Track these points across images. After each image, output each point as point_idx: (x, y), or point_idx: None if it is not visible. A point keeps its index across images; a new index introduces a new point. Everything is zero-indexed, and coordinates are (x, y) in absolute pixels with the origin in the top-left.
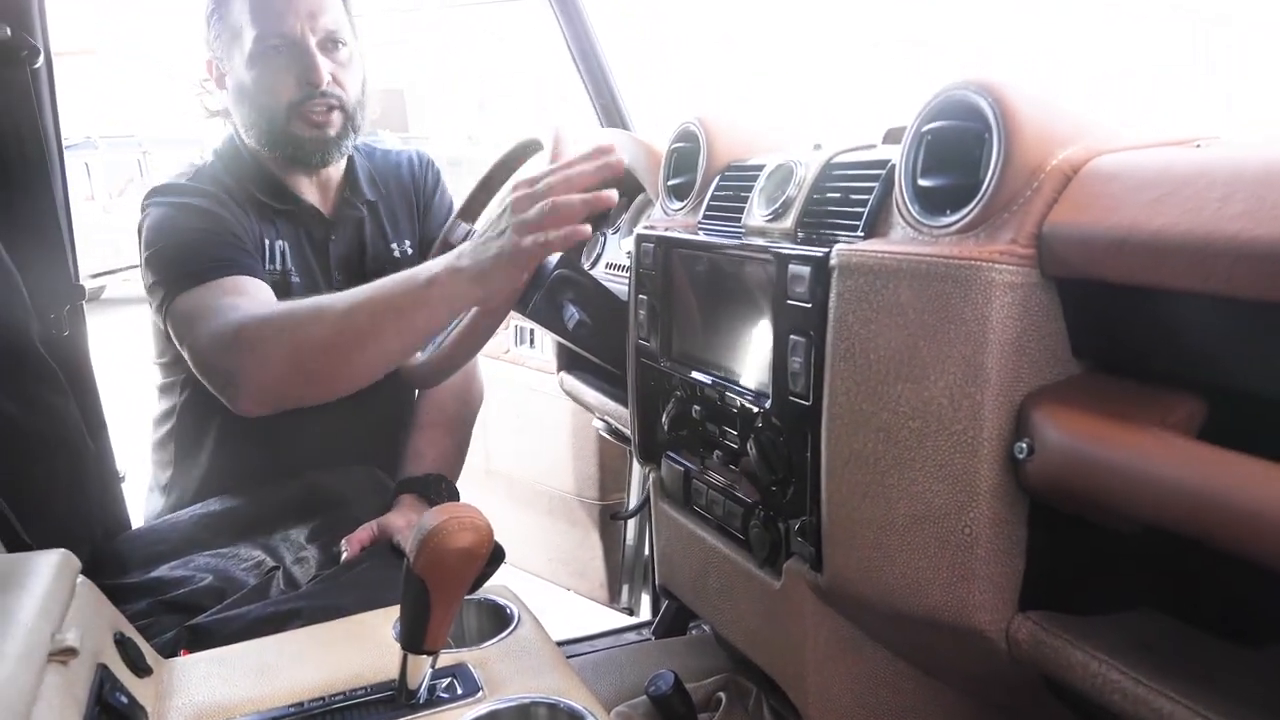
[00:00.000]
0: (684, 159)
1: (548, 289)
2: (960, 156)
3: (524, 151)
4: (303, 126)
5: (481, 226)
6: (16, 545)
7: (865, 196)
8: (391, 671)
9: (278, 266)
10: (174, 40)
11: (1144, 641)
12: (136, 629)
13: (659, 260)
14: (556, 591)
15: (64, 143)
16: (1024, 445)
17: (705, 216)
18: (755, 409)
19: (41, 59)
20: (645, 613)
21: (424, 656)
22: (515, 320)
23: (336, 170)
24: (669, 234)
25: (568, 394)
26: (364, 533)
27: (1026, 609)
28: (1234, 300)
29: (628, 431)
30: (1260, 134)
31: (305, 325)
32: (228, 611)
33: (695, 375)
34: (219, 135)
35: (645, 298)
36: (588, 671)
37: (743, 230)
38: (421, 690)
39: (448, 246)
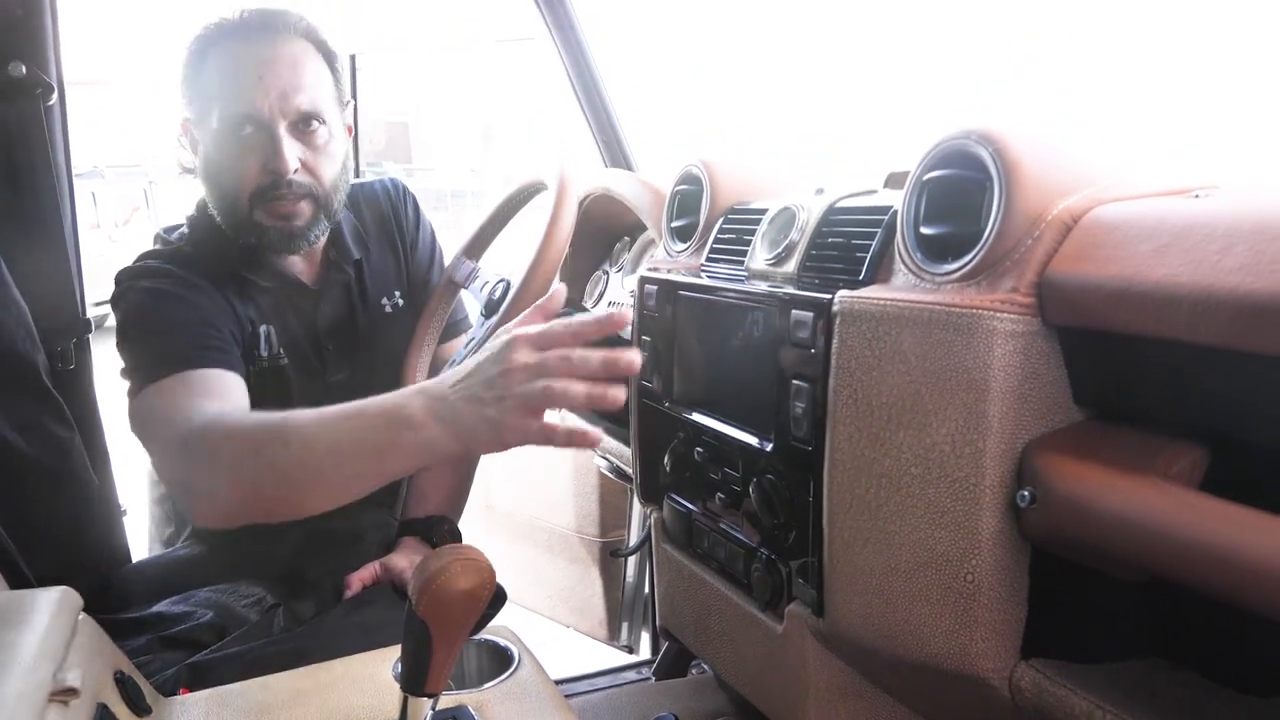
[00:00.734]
0: (687, 201)
1: None
2: (961, 205)
3: (528, 193)
4: (266, 216)
5: (485, 266)
6: (18, 578)
7: (867, 242)
8: (391, 713)
9: (264, 353)
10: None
11: (1148, 690)
12: (136, 666)
13: (662, 302)
14: (555, 626)
15: (73, 175)
16: (1026, 493)
17: (708, 259)
18: (757, 453)
19: (55, 95)
20: (645, 651)
21: (424, 699)
22: None
23: (319, 239)
24: (672, 277)
25: None
26: (366, 572)
27: (1029, 656)
28: (1234, 352)
29: (629, 469)
30: (1258, 185)
31: (266, 449)
32: (228, 649)
33: (698, 418)
34: (198, 195)
35: (648, 339)
36: (588, 713)
37: (746, 273)
38: None
39: (452, 284)
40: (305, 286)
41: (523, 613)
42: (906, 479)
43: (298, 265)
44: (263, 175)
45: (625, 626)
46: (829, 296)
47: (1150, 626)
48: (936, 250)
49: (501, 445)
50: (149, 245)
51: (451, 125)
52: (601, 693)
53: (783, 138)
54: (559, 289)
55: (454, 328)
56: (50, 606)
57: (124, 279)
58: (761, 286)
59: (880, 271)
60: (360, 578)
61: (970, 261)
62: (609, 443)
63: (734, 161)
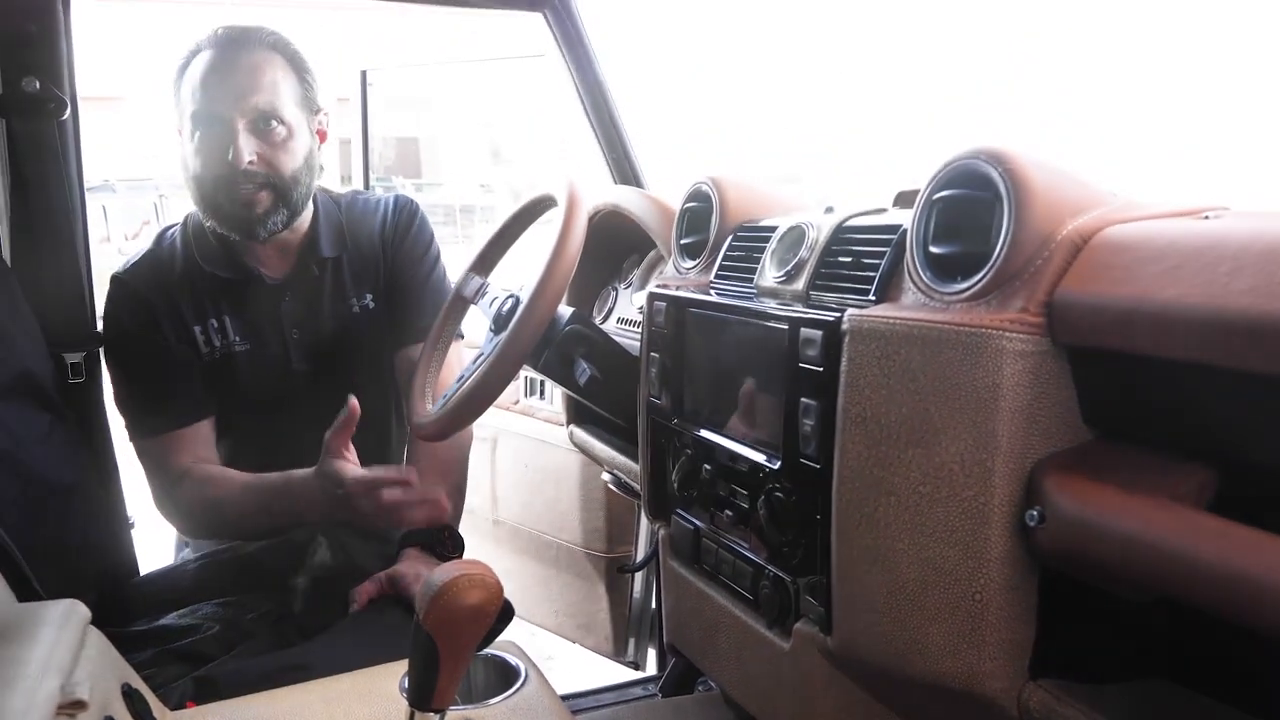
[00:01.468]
0: (696, 218)
1: (559, 344)
2: (971, 224)
3: (538, 208)
4: (228, 203)
5: (494, 281)
6: (26, 590)
7: (877, 261)
8: None
9: (216, 343)
10: None
11: (1156, 711)
12: (143, 679)
13: (671, 319)
14: (562, 642)
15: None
16: (1035, 513)
17: (717, 276)
18: (766, 470)
19: (68, 110)
20: (651, 667)
21: (431, 714)
22: (525, 372)
23: (295, 233)
24: (681, 293)
25: (577, 446)
26: (371, 585)
27: (1038, 676)
28: (1243, 373)
29: (636, 485)
30: (1269, 208)
31: (213, 509)
32: (234, 663)
33: (706, 434)
34: None
35: (657, 356)
36: None
37: (755, 291)
38: None
39: (461, 300)
40: (267, 279)
41: (529, 628)
42: (915, 497)
43: (267, 260)
44: (223, 166)
45: (632, 642)
46: (838, 315)
47: (1159, 647)
48: (946, 269)
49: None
50: None
51: (461, 141)
52: (607, 709)
53: (783, 138)
54: (352, 406)
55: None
56: (58, 619)
57: (110, 289)
58: (770, 304)
59: (889, 290)
60: (366, 590)
61: (980, 281)
62: (616, 458)
63: (743, 179)
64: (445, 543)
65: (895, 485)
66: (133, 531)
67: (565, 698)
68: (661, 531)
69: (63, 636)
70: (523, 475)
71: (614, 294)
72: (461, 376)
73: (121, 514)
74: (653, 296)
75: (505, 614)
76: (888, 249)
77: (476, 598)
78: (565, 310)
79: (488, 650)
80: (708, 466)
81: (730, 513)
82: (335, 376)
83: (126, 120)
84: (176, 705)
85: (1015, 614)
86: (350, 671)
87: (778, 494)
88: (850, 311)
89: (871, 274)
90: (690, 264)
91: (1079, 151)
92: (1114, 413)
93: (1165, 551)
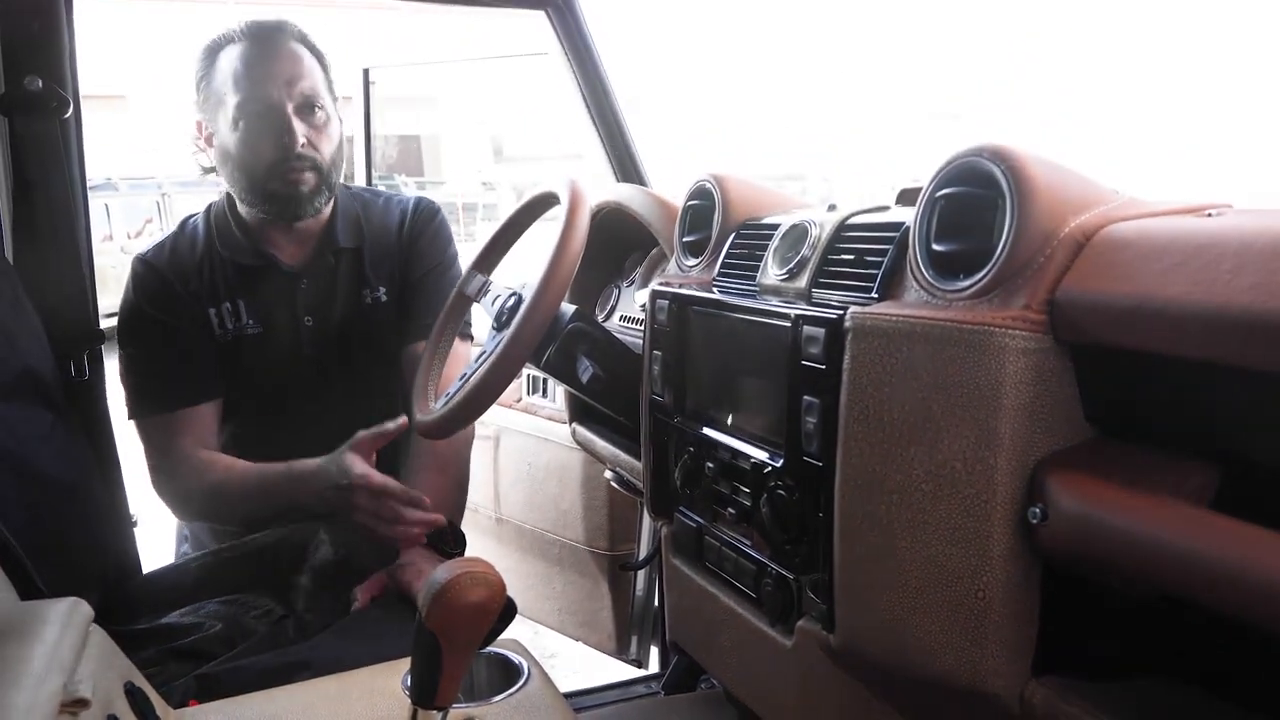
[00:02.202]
0: (699, 216)
1: (562, 342)
2: (974, 222)
3: (540, 205)
4: (280, 185)
5: (496, 279)
6: (30, 589)
7: (879, 259)
8: None
9: (229, 325)
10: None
11: (1160, 708)
12: (146, 677)
13: (673, 317)
14: (565, 640)
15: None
16: (1037, 510)
17: (720, 274)
18: (768, 468)
19: (70, 109)
20: (654, 665)
21: (434, 712)
22: (528, 370)
23: (315, 222)
24: (684, 291)
25: (580, 445)
26: (374, 583)
27: (1041, 674)
28: (1246, 371)
29: (639, 483)
30: (1271, 205)
31: (212, 493)
32: (237, 661)
33: (708, 432)
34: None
35: (659, 354)
36: None
37: (757, 289)
38: None
39: (463, 298)
40: (283, 265)
41: (532, 626)
42: (918, 495)
43: (286, 247)
44: (275, 151)
45: (634, 640)
46: (841, 312)
47: (1162, 644)
48: (948, 267)
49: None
50: None
51: (463, 138)
52: (610, 706)
53: (784, 138)
54: (402, 423)
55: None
56: (61, 617)
57: (132, 269)
58: (773, 302)
59: (892, 288)
60: (368, 588)
61: (982, 278)
62: (619, 456)
63: (746, 177)
64: (448, 540)
65: (898, 483)
66: (135, 530)
67: (568, 696)
68: (664, 529)
69: (65, 635)
70: (525, 473)
71: (616, 292)
72: (464, 374)
73: (124, 512)
74: (655, 294)
75: (508, 612)
76: (890, 246)
77: (479, 596)
78: (568, 308)
79: (490, 648)
80: (710, 464)
81: (733, 510)
82: (344, 365)
83: (129, 119)
84: (179, 703)
85: (1018, 611)
86: (353, 670)
87: (780, 492)
88: (853, 309)
89: (874, 272)
90: (693, 262)
91: (1080, 151)
92: (1116, 410)
93: (1167, 549)
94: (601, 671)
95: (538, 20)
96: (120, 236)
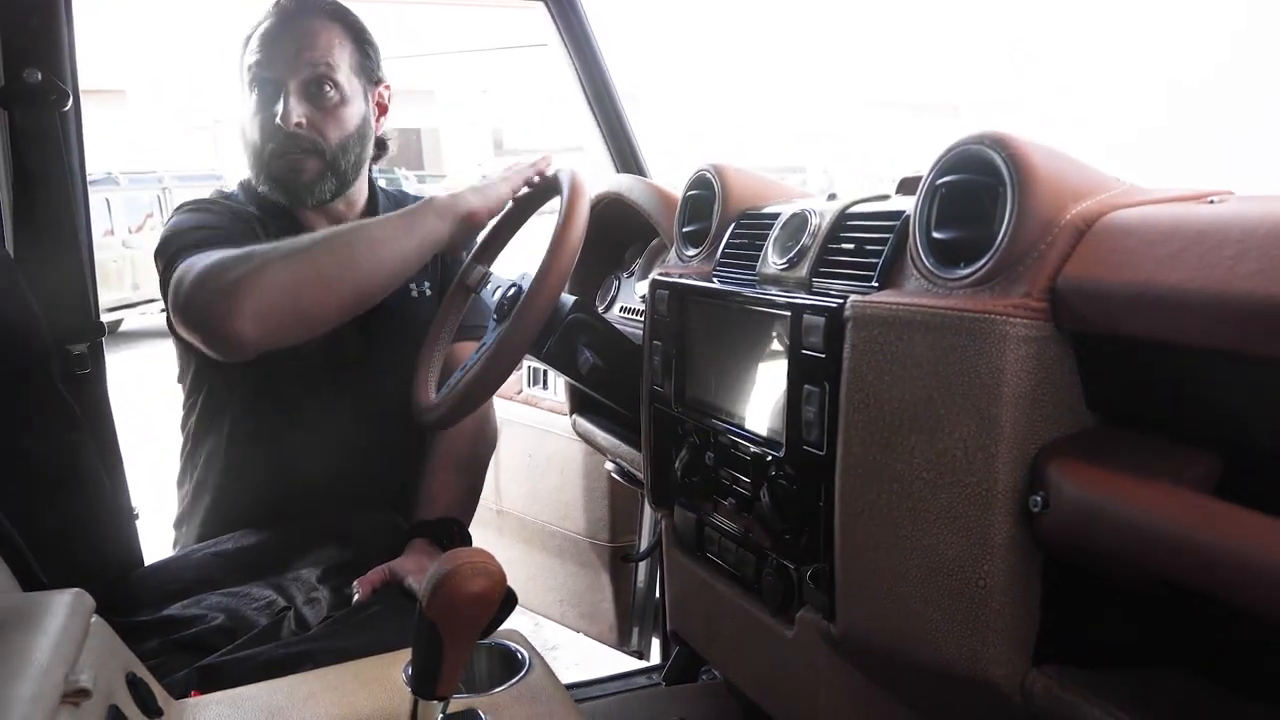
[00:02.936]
0: (699, 206)
1: (562, 333)
2: (974, 210)
3: (540, 196)
4: (280, 168)
5: (497, 271)
6: (32, 582)
7: (880, 247)
8: (402, 716)
9: None
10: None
11: (1161, 697)
12: (148, 668)
13: (673, 307)
14: (567, 633)
15: (88, 181)
16: (1039, 498)
17: (720, 264)
18: (768, 457)
19: (70, 101)
20: (656, 656)
21: (435, 702)
22: (529, 361)
23: (352, 208)
24: (683, 281)
25: (580, 436)
26: (376, 575)
27: (1042, 663)
28: (1248, 357)
29: (640, 474)
30: (1271, 193)
31: (311, 255)
32: (239, 652)
33: (708, 422)
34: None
35: (659, 344)
36: (598, 717)
37: (757, 278)
38: None
39: (464, 289)
40: None
41: (534, 618)
42: (918, 484)
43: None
44: (271, 127)
45: (636, 632)
46: (841, 301)
47: (1163, 632)
48: (949, 255)
49: (488, 206)
50: None
51: (463, 131)
52: (611, 697)
53: (784, 131)
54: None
55: (469, 332)
56: (63, 609)
57: (182, 207)
58: (773, 291)
59: (892, 276)
60: (370, 581)
61: (983, 266)
62: (620, 447)
63: (746, 167)
64: (453, 536)
65: (898, 472)
66: (137, 523)
67: (569, 687)
68: (664, 520)
69: (67, 626)
70: (526, 465)
71: (617, 283)
72: (465, 365)
73: (126, 505)
74: (655, 284)
75: (508, 602)
76: (890, 235)
77: (479, 586)
78: (568, 299)
79: (491, 639)
80: (710, 454)
81: (733, 500)
82: (384, 354)
83: (130, 113)
84: (181, 694)
85: (1019, 600)
86: (354, 660)
87: (780, 481)
88: (853, 298)
89: (874, 260)
90: (693, 252)
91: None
92: (1118, 398)
93: (1169, 536)
94: (604, 664)
95: (537, 12)
96: (121, 231)
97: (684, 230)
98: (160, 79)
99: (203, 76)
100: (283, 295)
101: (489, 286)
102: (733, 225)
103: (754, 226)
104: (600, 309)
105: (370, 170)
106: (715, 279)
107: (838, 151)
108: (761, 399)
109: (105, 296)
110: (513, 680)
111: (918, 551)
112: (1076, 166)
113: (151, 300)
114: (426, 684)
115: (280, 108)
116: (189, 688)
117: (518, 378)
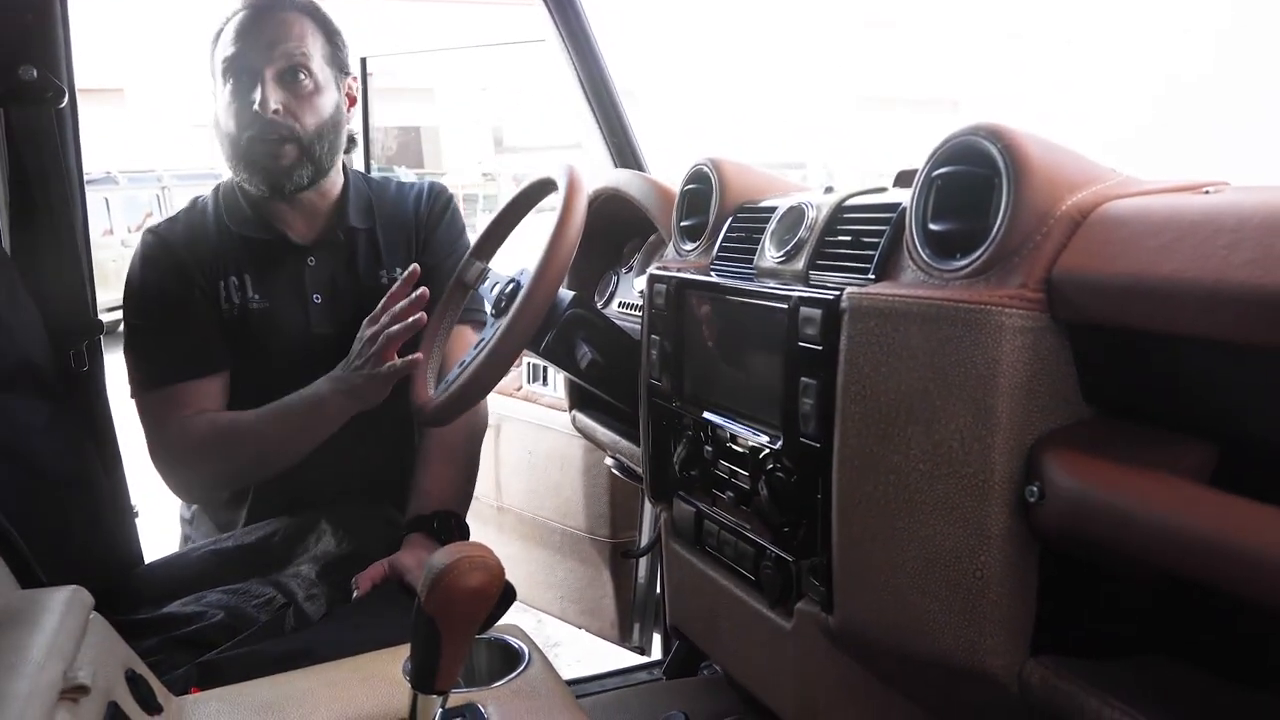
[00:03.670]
0: (696, 200)
1: (561, 328)
2: (970, 201)
3: (538, 191)
4: (258, 154)
5: (495, 266)
6: (30, 580)
7: (876, 239)
8: (402, 711)
9: (235, 300)
10: (198, 80)
11: (1158, 687)
12: (147, 665)
13: (671, 301)
14: (569, 629)
15: (85, 179)
16: (1035, 489)
17: (717, 258)
18: (766, 450)
19: (66, 99)
20: (656, 652)
21: (434, 696)
22: (528, 357)
23: (324, 198)
24: (681, 275)
25: (580, 432)
26: (375, 571)
27: (1039, 653)
28: (1243, 346)
29: (640, 469)
30: (1266, 182)
31: (227, 449)
32: (238, 649)
33: (707, 416)
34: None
35: (657, 338)
36: (598, 712)
37: (754, 271)
38: None
39: (461, 285)
40: (292, 242)
41: (535, 615)
42: (915, 475)
43: (294, 223)
44: (249, 114)
45: (637, 627)
46: (837, 293)
47: (1160, 622)
48: (945, 247)
49: (379, 391)
50: None
51: (463, 129)
52: (611, 692)
53: (785, 126)
54: (422, 293)
55: (470, 314)
56: (61, 605)
57: (142, 240)
58: (770, 284)
59: (889, 268)
60: (369, 576)
61: (979, 258)
62: (619, 442)
63: (743, 160)
64: (451, 531)
65: (895, 463)
66: (137, 521)
67: (569, 682)
68: (663, 514)
69: (66, 622)
70: (526, 461)
71: (615, 279)
72: (463, 361)
73: (125, 503)
74: (653, 278)
75: (507, 596)
76: (887, 227)
77: (477, 580)
78: (566, 294)
79: (491, 634)
80: (709, 448)
81: (731, 494)
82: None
83: (127, 112)
84: (180, 691)
85: (1016, 591)
86: (353, 656)
87: (778, 474)
88: (849, 290)
89: (871, 252)
90: (691, 246)
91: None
92: (1114, 388)
93: (1165, 526)
94: (606, 662)
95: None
96: (120, 230)
97: (681, 224)
98: (159, 78)
99: (201, 75)
100: (218, 475)
101: (487, 282)
102: (730, 219)
103: (751, 220)
104: (599, 304)
105: (344, 163)
106: (713, 272)
107: (838, 147)
108: (759, 392)
109: (104, 296)
110: (512, 675)
111: (914, 543)
112: (1072, 158)
113: None
114: (425, 678)
115: (257, 95)
116: (189, 684)
117: (517, 374)
